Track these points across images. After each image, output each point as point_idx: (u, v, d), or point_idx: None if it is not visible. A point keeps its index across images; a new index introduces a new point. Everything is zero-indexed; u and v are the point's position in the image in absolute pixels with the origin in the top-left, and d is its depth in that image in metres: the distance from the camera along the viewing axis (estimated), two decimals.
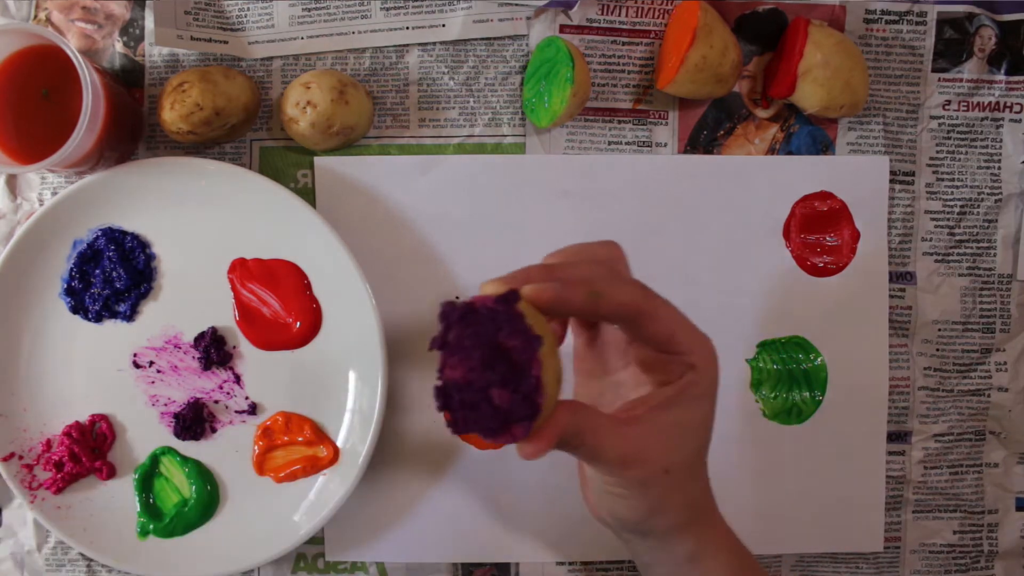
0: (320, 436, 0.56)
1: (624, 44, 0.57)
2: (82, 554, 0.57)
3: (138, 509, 0.56)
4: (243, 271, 0.56)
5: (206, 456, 0.56)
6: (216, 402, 0.56)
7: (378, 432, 0.54)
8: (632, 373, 0.42)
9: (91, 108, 0.47)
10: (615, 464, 0.38)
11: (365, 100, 0.55)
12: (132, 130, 0.55)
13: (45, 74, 0.50)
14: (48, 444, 0.55)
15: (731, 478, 0.58)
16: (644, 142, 0.58)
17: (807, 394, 0.58)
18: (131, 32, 0.57)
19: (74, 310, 0.55)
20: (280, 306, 0.56)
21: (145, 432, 0.56)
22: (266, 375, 0.56)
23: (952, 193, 0.59)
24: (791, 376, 0.58)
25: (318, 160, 0.57)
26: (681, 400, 0.39)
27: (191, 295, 0.56)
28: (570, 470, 0.57)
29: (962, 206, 0.59)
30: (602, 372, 0.43)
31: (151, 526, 0.55)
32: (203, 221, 0.55)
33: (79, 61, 0.46)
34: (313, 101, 0.52)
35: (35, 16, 0.57)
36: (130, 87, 0.57)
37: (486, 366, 0.33)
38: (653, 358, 0.40)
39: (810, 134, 0.58)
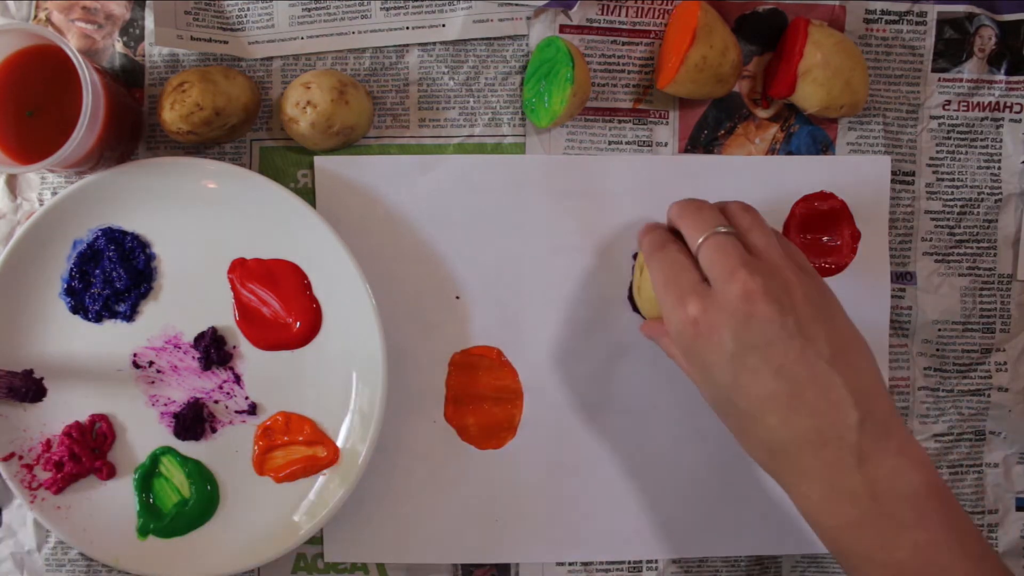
0: (320, 436, 0.56)
1: (624, 44, 0.57)
2: (82, 554, 0.57)
3: (138, 509, 0.56)
4: (243, 271, 0.56)
5: (206, 456, 0.56)
6: (216, 402, 0.56)
7: (378, 432, 0.54)
8: None
9: (91, 108, 0.47)
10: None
11: (365, 100, 0.55)
12: (132, 130, 0.55)
13: (45, 74, 0.50)
14: (48, 444, 0.55)
15: (732, 478, 0.58)
16: (644, 142, 0.58)
17: None
18: (131, 32, 0.57)
19: (74, 310, 0.55)
20: (280, 306, 0.56)
21: (145, 432, 0.56)
22: (266, 375, 0.56)
23: (952, 193, 0.59)
24: None
25: (318, 160, 0.57)
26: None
27: (191, 295, 0.56)
28: (569, 470, 0.57)
29: (962, 206, 0.59)
30: None
31: (151, 526, 0.55)
32: (203, 221, 0.55)
33: (79, 61, 0.46)
34: (313, 101, 0.52)
35: (35, 16, 0.57)
36: (130, 87, 0.57)
37: None
38: None
39: (810, 134, 0.58)
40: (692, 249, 0.46)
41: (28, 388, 0.54)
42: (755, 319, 0.42)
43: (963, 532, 0.40)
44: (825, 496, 0.42)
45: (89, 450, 0.55)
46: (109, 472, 0.56)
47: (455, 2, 0.56)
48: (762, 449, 0.44)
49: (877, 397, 0.42)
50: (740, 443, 0.46)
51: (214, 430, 0.56)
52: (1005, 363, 0.59)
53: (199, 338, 0.56)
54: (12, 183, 0.57)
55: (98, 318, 0.55)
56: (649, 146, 0.58)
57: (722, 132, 0.58)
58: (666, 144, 0.58)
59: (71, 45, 0.47)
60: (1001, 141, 0.59)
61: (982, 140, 0.59)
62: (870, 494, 0.40)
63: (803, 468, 0.42)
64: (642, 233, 0.50)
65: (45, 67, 0.49)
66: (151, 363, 0.56)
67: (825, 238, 0.58)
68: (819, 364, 0.41)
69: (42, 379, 0.55)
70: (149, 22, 0.56)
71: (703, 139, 0.58)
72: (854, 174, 0.58)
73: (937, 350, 0.59)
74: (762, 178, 0.58)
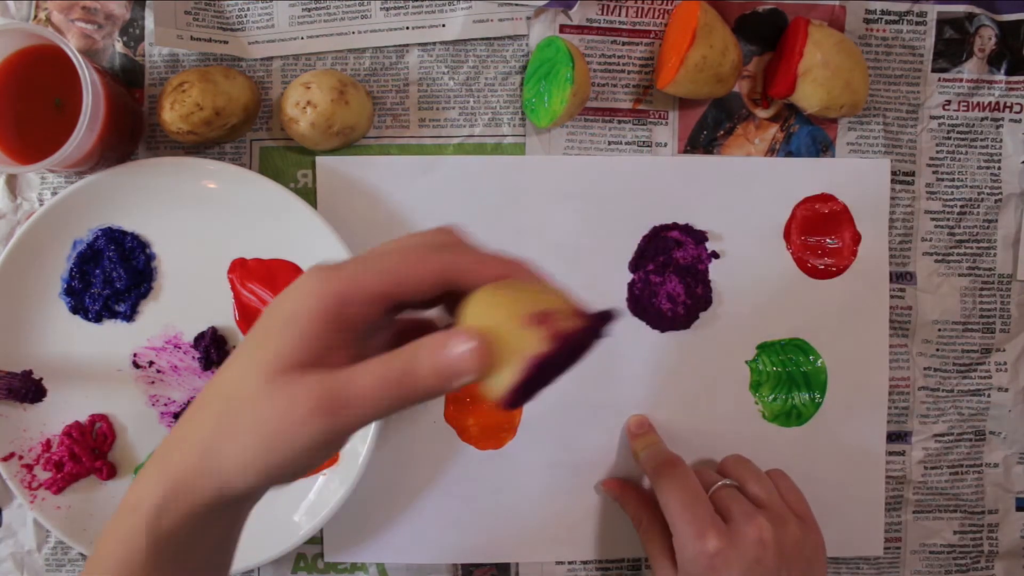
0: None
1: (624, 44, 0.57)
2: (82, 554, 0.57)
3: None
4: (243, 271, 0.56)
5: None
6: None
7: (378, 432, 0.54)
8: None
9: (91, 108, 0.47)
10: None
11: (365, 100, 0.55)
12: (132, 130, 0.55)
13: (46, 74, 0.50)
14: (48, 444, 0.55)
15: None
16: (644, 142, 0.58)
17: (807, 396, 0.58)
18: (131, 32, 0.56)
19: (74, 310, 0.55)
20: None
21: (145, 432, 0.56)
22: None
23: (952, 193, 0.59)
24: (791, 378, 0.58)
25: (318, 160, 0.57)
26: None
27: (191, 295, 0.56)
28: (569, 470, 0.57)
29: (962, 206, 0.59)
30: None
31: None
32: (203, 221, 0.55)
33: (79, 61, 0.46)
34: (313, 101, 0.52)
35: (35, 16, 0.57)
36: (130, 87, 0.57)
37: None
38: None
39: (810, 134, 0.58)
40: (704, 485, 0.51)
41: (28, 388, 0.54)
42: (761, 565, 0.47)
43: None
44: None
45: (89, 450, 0.55)
46: (109, 472, 0.56)
47: (455, 2, 0.56)
48: None
49: None
50: None
51: None
52: (1005, 363, 0.59)
53: (199, 338, 0.56)
54: (12, 183, 0.57)
55: (98, 318, 0.55)
56: (648, 146, 0.58)
57: (722, 132, 0.58)
58: (666, 144, 0.58)
59: (71, 45, 0.47)
60: (1001, 141, 0.59)
61: (982, 140, 0.59)
62: None
63: None
64: (635, 429, 0.57)
65: (46, 67, 0.49)
66: (151, 363, 0.56)
67: (826, 240, 0.58)
68: None
69: (41, 379, 0.55)
70: (149, 22, 0.56)
71: (703, 139, 0.58)
72: (854, 176, 0.58)
73: (937, 350, 0.59)
74: (763, 180, 0.58)
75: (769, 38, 0.57)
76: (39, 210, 0.54)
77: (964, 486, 0.60)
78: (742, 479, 0.52)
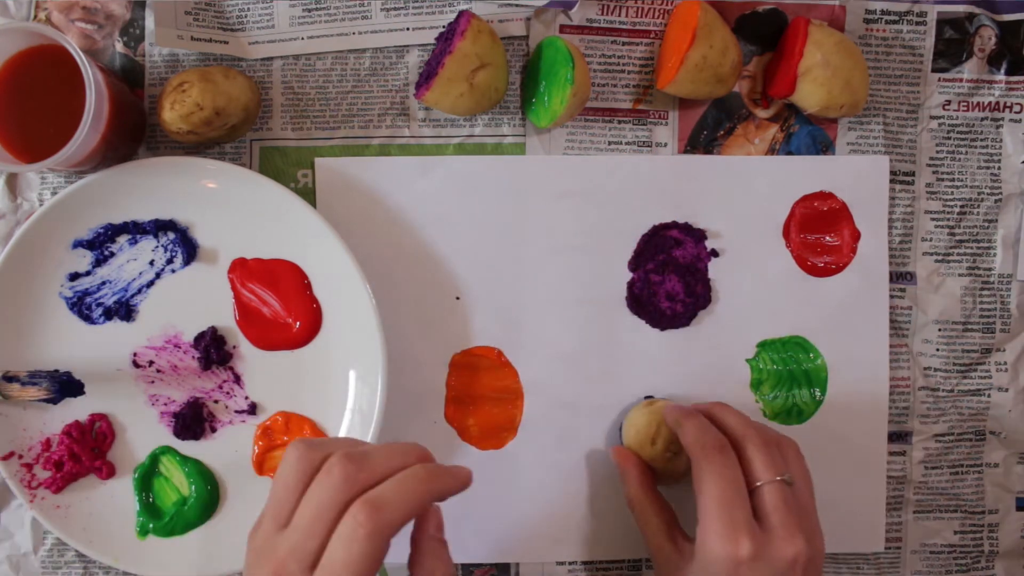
0: (320, 436, 0.56)
1: (624, 44, 0.57)
2: (79, 556, 0.57)
3: (137, 508, 0.55)
4: (243, 271, 0.56)
5: (206, 456, 0.56)
6: (216, 402, 0.56)
7: (378, 432, 0.54)
8: None
9: (95, 106, 0.47)
10: None
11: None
12: (135, 129, 0.55)
13: (48, 74, 0.50)
14: (48, 443, 0.55)
15: None
16: (644, 142, 0.58)
17: (807, 394, 0.58)
18: (131, 32, 0.57)
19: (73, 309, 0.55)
20: (280, 306, 0.56)
21: (145, 431, 0.56)
22: (266, 375, 0.56)
23: (952, 193, 0.59)
24: (791, 376, 0.58)
25: (319, 160, 0.57)
26: None
27: (191, 295, 0.56)
28: (569, 470, 0.57)
29: (962, 206, 0.59)
30: None
31: (151, 525, 0.55)
32: (203, 221, 0.55)
33: (82, 59, 0.46)
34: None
35: (35, 16, 0.57)
36: (131, 87, 0.57)
37: None
38: None
39: (810, 134, 0.58)
40: (753, 477, 0.47)
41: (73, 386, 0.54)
42: None
43: None
44: None
45: (89, 449, 0.55)
46: (109, 471, 0.55)
47: (455, 2, 0.56)
48: None
49: None
50: None
51: (214, 430, 0.56)
52: (1005, 363, 0.59)
53: (199, 338, 0.56)
54: (12, 183, 0.57)
55: (98, 318, 0.55)
56: (649, 147, 0.58)
57: (722, 132, 0.58)
58: (666, 144, 0.58)
59: (74, 44, 0.47)
60: (1001, 141, 0.59)
61: (982, 140, 0.59)
62: None
63: None
64: (684, 415, 0.51)
65: (48, 67, 0.49)
66: (151, 363, 0.56)
67: (825, 237, 0.58)
68: None
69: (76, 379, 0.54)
70: (149, 22, 0.56)
71: (703, 139, 0.58)
72: (853, 174, 0.58)
73: (937, 350, 0.59)
74: (762, 178, 0.58)
75: (769, 38, 0.57)
76: (39, 210, 0.54)
77: (964, 486, 0.60)
78: (791, 469, 0.49)
